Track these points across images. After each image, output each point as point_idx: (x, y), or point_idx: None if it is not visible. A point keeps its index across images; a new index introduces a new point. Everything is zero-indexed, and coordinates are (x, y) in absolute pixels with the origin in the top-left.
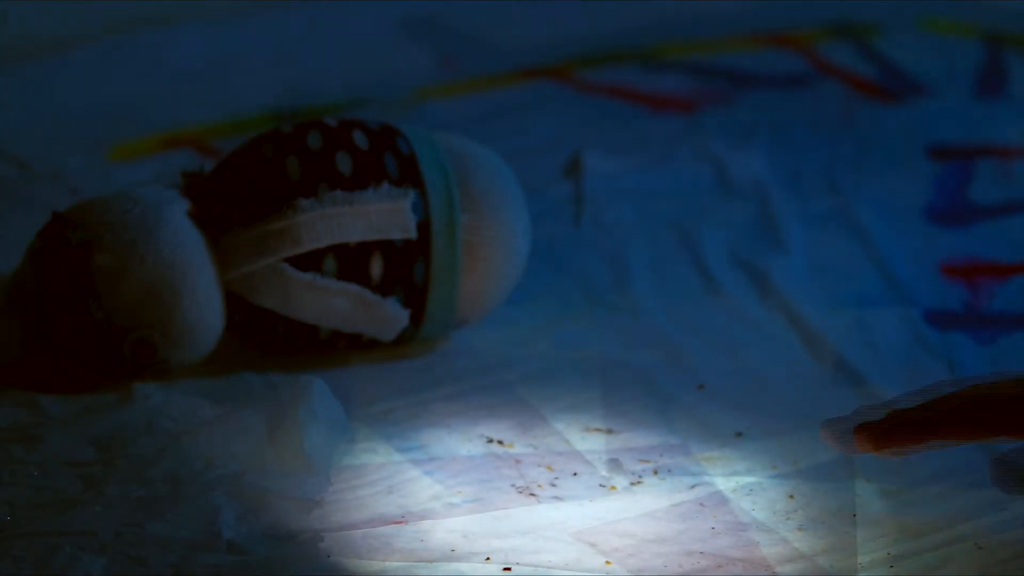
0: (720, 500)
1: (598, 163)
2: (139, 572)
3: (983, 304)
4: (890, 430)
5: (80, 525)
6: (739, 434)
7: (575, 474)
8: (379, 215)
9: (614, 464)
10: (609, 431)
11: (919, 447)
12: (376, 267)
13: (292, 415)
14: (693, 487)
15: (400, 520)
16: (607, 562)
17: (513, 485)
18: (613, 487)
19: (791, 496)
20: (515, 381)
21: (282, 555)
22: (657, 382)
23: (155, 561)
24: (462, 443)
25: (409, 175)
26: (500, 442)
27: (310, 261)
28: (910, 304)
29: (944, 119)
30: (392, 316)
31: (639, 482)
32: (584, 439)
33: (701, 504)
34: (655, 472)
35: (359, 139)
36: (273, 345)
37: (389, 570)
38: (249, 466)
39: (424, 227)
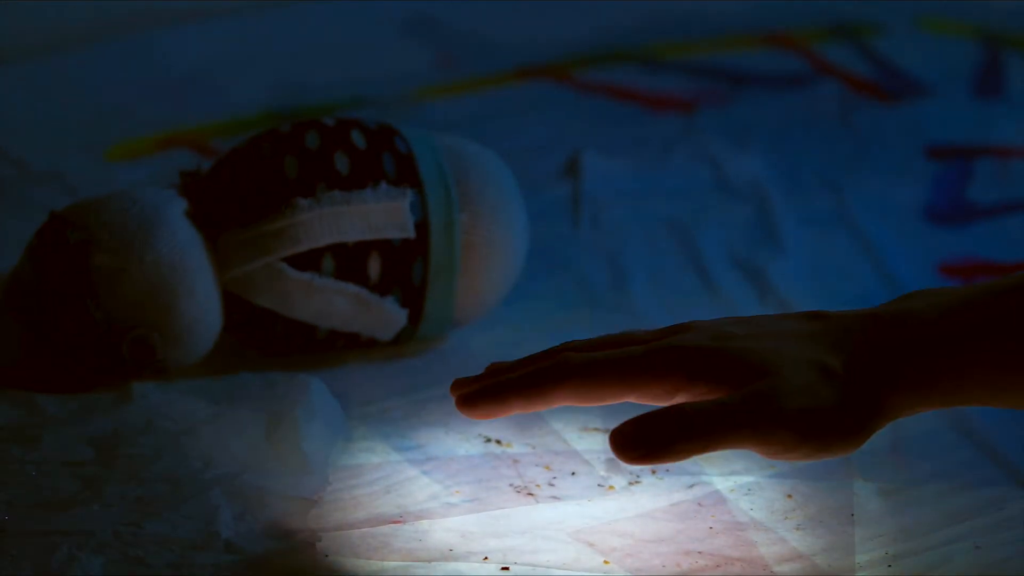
0: (718, 499)
1: (596, 163)
2: (138, 571)
3: None
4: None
5: (78, 524)
6: None
7: (573, 474)
8: (377, 215)
9: (612, 464)
10: (607, 431)
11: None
12: (374, 267)
13: (290, 414)
14: (691, 487)
15: (398, 519)
16: (605, 561)
17: (511, 485)
18: (611, 487)
19: (789, 495)
20: None
21: (280, 554)
22: None
23: (154, 560)
24: (460, 443)
25: (407, 175)
26: (498, 442)
27: (308, 261)
28: None
29: (942, 119)
30: (390, 316)
31: (637, 482)
32: (582, 439)
33: (699, 504)
34: (653, 471)
35: (357, 139)
36: (271, 345)
37: (387, 570)
38: (247, 465)
39: (422, 227)
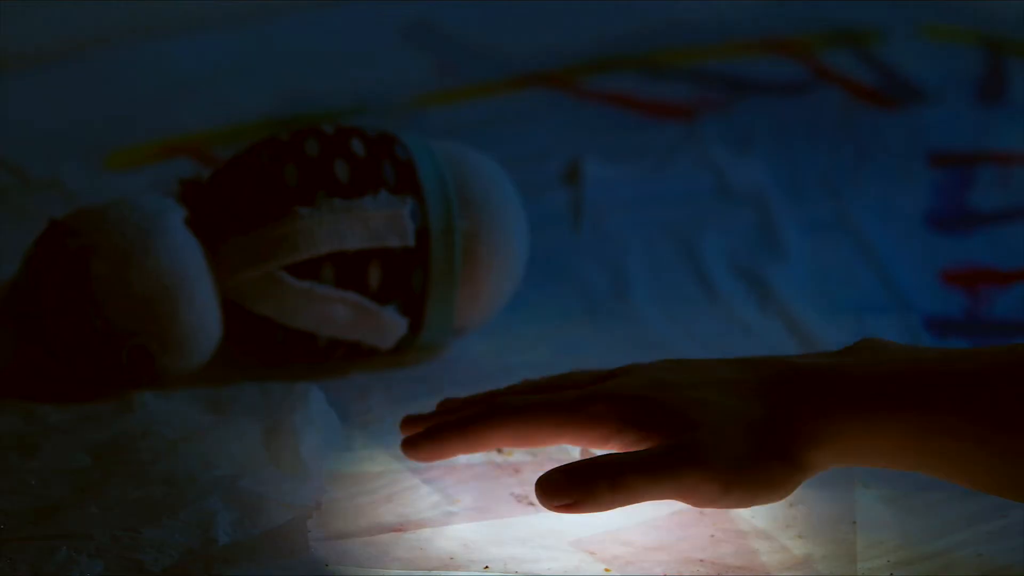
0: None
1: (597, 170)
2: (136, 575)
3: (983, 311)
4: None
5: (77, 528)
6: None
7: None
8: (377, 223)
9: None
10: None
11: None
12: (374, 275)
13: (288, 421)
14: None
15: (399, 528)
16: (606, 570)
17: (512, 493)
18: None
19: (791, 503)
20: None
21: (279, 563)
22: None
23: (152, 565)
24: None
25: (407, 182)
26: (499, 450)
27: (308, 269)
28: (910, 311)
29: (944, 126)
30: (390, 324)
31: None
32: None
33: (701, 512)
34: None
35: (357, 147)
36: (271, 353)
37: None
38: (245, 471)
39: (422, 234)
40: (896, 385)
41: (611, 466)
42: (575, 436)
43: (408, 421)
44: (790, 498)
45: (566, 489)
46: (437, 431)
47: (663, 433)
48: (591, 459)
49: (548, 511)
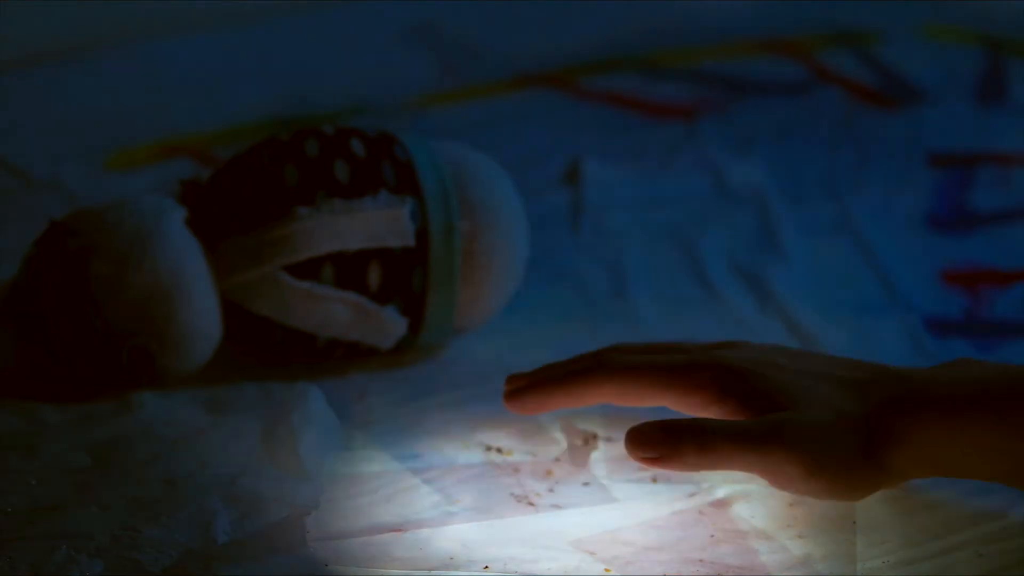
0: (720, 508)
1: (597, 171)
2: (135, 575)
3: (984, 311)
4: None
5: (76, 528)
6: None
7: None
8: (377, 223)
9: (613, 472)
10: (608, 439)
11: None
12: (374, 275)
13: (287, 421)
14: (692, 495)
15: (398, 528)
16: (606, 570)
17: (512, 493)
18: (612, 495)
19: (791, 504)
20: None
21: (279, 563)
22: None
23: (151, 564)
24: (460, 451)
25: (407, 183)
26: (499, 450)
27: (308, 269)
28: (910, 311)
29: (944, 126)
30: (390, 324)
31: (638, 490)
32: (583, 447)
33: (700, 512)
34: (654, 480)
35: (357, 147)
36: (271, 353)
37: None
38: (244, 471)
39: (422, 235)
40: (981, 391)
41: (704, 430)
42: (677, 399)
43: (512, 378)
44: (790, 498)
45: (656, 443)
46: (542, 382)
47: (760, 408)
48: (687, 419)
49: (548, 511)
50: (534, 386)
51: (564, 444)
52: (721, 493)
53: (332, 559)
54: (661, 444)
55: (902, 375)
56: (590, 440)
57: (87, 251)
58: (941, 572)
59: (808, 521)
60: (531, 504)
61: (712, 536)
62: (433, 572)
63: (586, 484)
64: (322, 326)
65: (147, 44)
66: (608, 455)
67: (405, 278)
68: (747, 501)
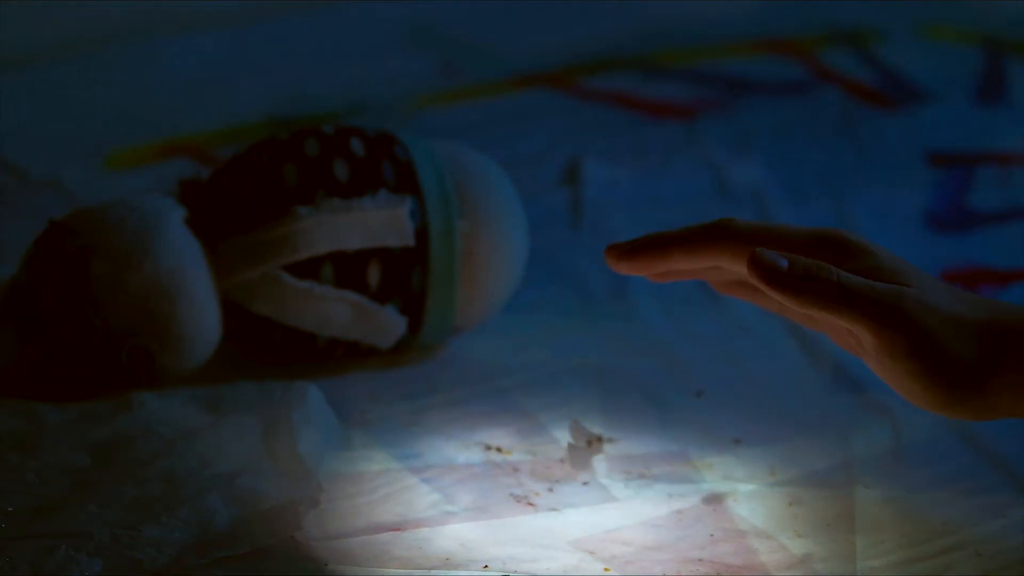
0: (719, 507)
1: (597, 170)
2: (135, 573)
3: None
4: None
5: (76, 527)
6: (738, 441)
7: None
8: (377, 222)
9: (612, 471)
10: (608, 439)
11: None
12: (374, 275)
13: (286, 420)
14: (692, 494)
15: (398, 528)
16: (606, 569)
17: (511, 493)
18: (612, 495)
19: (790, 503)
20: (513, 388)
21: (279, 562)
22: (656, 389)
23: (151, 563)
24: (460, 451)
25: (407, 182)
26: (498, 449)
27: (308, 269)
28: None
29: (944, 125)
30: (390, 324)
31: (637, 489)
32: (583, 446)
33: (700, 511)
34: (654, 479)
35: (356, 146)
36: (271, 353)
37: None
38: (244, 469)
39: (422, 234)
40: None
41: (830, 271)
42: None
43: (616, 244)
44: (790, 498)
45: (784, 276)
46: (660, 241)
47: (891, 279)
48: (816, 261)
49: (547, 511)
50: (650, 243)
51: (564, 444)
52: (720, 492)
53: (331, 558)
54: (791, 277)
55: (994, 303)
56: (594, 443)
57: (87, 251)
58: (941, 572)
59: (808, 521)
60: (530, 504)
61: (711, 535)
62: (432, 571)
63: (585, 484)
64: (322, 325)
65: (147, 44)
66: (608, 454)
67: (405, 277)
68: (747, 500)
